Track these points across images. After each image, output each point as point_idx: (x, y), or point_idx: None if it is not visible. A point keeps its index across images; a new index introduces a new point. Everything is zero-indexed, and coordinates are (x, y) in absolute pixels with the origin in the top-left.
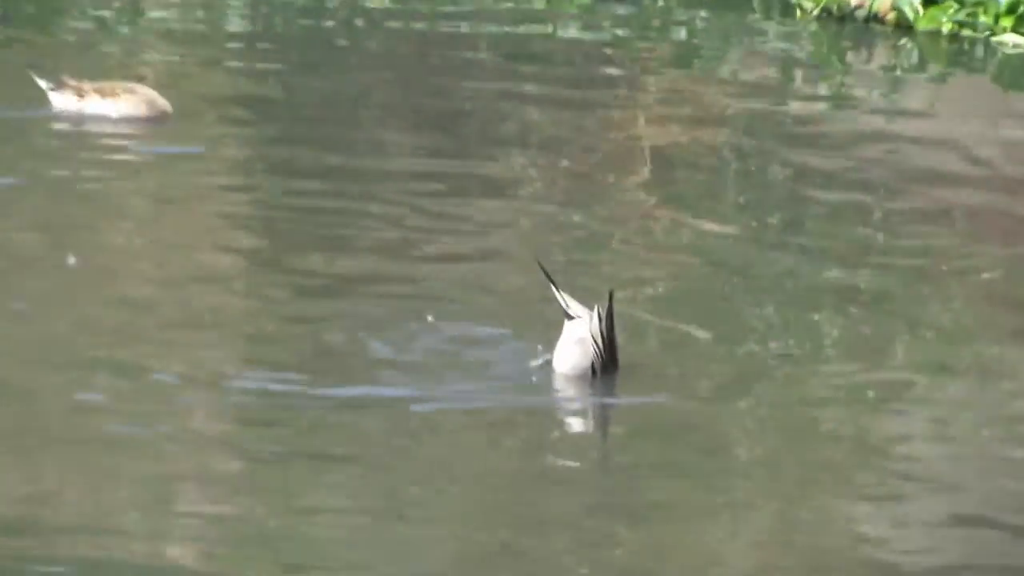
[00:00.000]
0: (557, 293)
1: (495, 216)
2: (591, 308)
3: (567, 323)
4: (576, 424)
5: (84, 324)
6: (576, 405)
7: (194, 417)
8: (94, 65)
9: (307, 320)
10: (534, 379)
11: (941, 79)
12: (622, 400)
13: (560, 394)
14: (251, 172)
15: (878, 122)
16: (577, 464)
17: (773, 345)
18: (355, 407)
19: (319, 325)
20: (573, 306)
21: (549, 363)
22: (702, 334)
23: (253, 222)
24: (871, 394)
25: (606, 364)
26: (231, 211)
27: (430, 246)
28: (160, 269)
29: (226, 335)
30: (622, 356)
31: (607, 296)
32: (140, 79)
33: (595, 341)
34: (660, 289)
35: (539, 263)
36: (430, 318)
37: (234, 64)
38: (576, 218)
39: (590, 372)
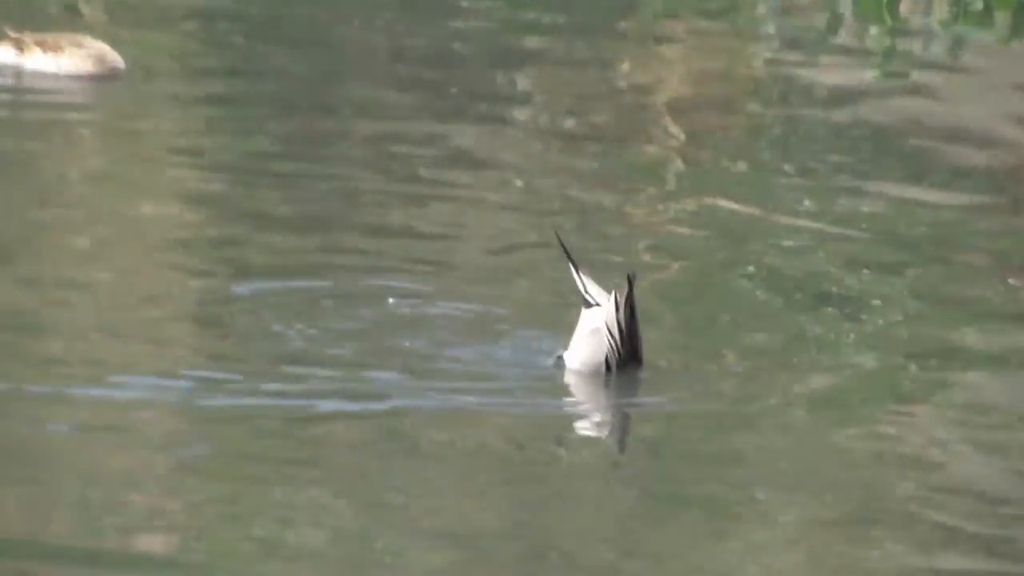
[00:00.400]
0: (576, 274)
1: (492, 184)
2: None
3: (584, 311)
4: (583, 429)
5: (12, 312)
6: (582, 407)
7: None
8: (37, 14)
9: (278, 305)
10: (539, 376)
11: (1005, 40)
12: (637, 400)
13: (567, 395)
14: (211, 138)
15: (928, 80)
16: (580, 481)
17: (799, 332)
18: (327, 414)
19: (291, 310)
20: (593, 291)
21: (561, 358)
22: (724, 320)
23: (210, 193)
24: (907, 387)
25: (624, 359)
26: (185, 182)
27: (420, 221)
28: (104, 248)
29: (179, 322)
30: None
31: (626, 280)
32: (88, 31)
33: (610, 333)
34: (679, 271)
35: (557, 237)
36: (391, 300)
37: (196, 18)
38: (588, 189)
39: (604, 368)
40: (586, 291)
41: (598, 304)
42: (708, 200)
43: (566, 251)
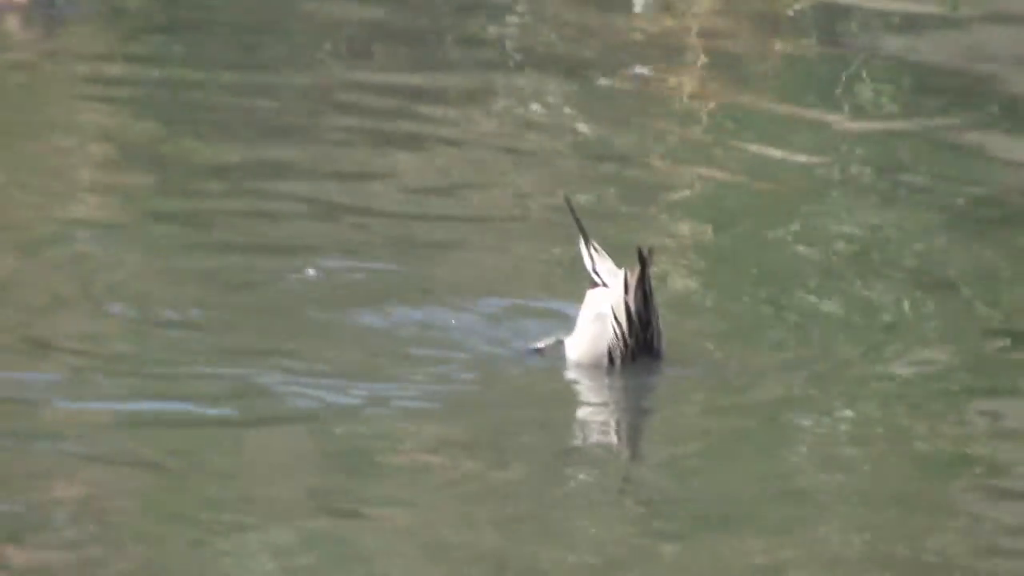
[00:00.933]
0: (584, 246)
1: (490, 143)
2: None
3: (589, 291)
4: (579, 436)
5: None
6: (573, 412)
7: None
8: None
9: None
10: (527, 367)
11: None
12: (640, 404)
13: (559, 394)
14: (139, 96)
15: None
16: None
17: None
18: (288, 415)
19: (242, 296)
20: (604, 268)
21: (559, 344)
22: (745, 303)
23: (135, 160)
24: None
25: (634, 352)
26: (98, 119)
27: (404, 194)
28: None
29: (114, 302)
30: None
31: (637, 256)
32: None
33: (616, 319)
34: (710, 235)
35: (567, 201)
36: (310, 271)
37: None
38: (600, 152)
39: (606, 360)
40: (595, 268)
41: (606, 285)
42: (746, 147)
43: (575, 216)
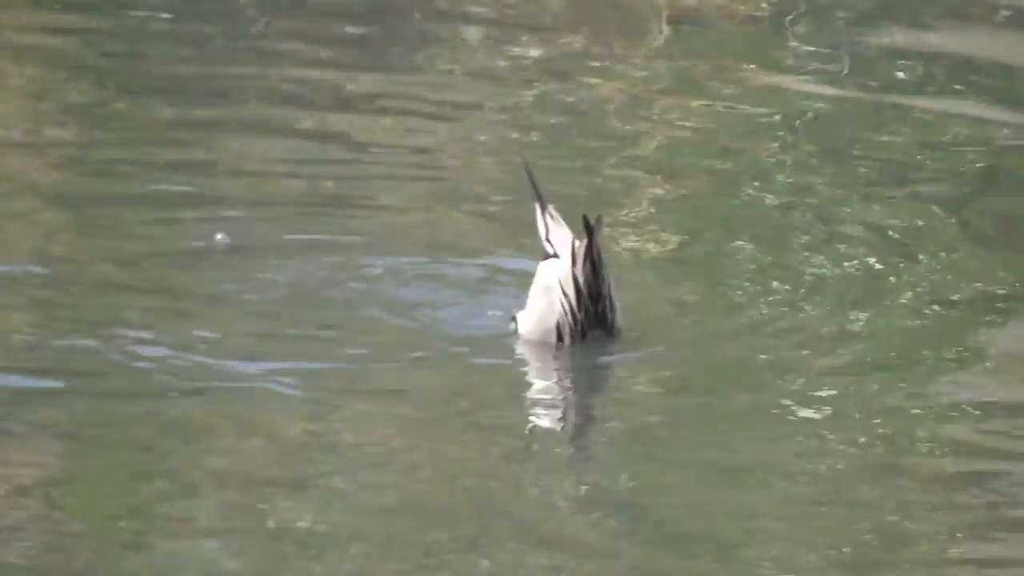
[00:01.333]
0: (540, 214)
1: (442, 112)
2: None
3: (541, 263)
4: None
5: None
6: (514, 392)
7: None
8: None
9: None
10: (472, 345)
11: None
12: (597, 382)
13: (501, 371)
14: (67, 50)
15: None
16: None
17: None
18: (245, 391)
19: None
20: (557, 238)
21: (515, 321)
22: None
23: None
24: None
25: (584, 325)
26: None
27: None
28: None
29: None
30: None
31: (584, 225)
32: None
33: (563, 292)
34: (676, 193)
35: (525, 166)
36: (219, 236)
37: None
38: (554, 114)
39: (555, 337)
40: (547, 237)
41: (557, 256)
42: (712, 103)
43: (533, 181)
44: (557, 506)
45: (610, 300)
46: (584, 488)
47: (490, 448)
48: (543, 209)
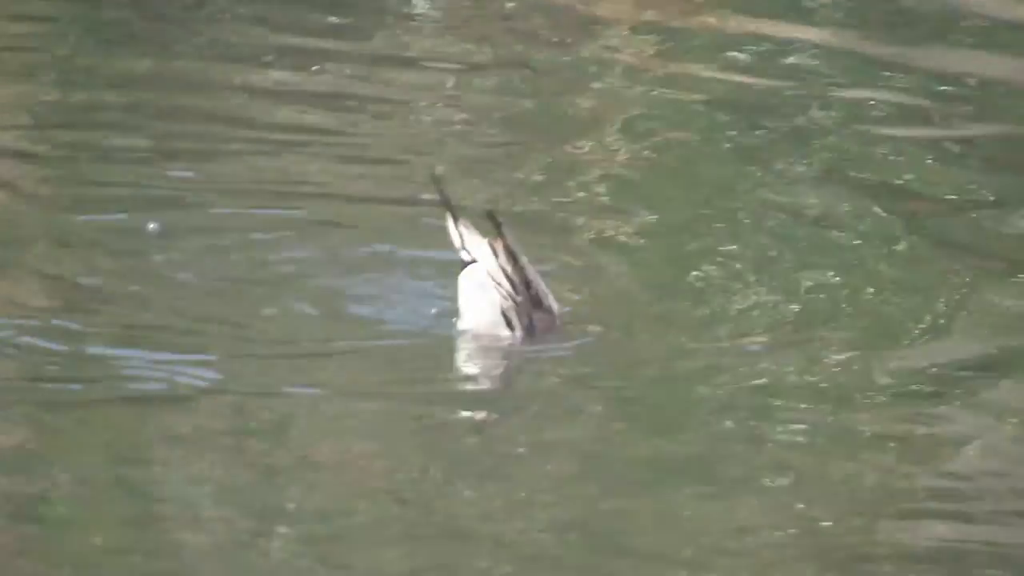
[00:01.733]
0: (452, 223)
1: (370, 106)
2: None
3: (461, 273)
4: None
5: None
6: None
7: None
8: None
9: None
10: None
11: None
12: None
13: (455, 365)
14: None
15: None
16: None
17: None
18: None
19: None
20: (472, 242)
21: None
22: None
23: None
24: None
25: (527, 308)
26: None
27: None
28: None
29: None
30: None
31: (490, 220)
32: None
33: (497, 283)
34: (633, 161)
35: (433, 176)
36: (152, 225)
37: None
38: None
39: (504, 326)
40: (463, 244)
41: (475, 260)
42: (688, 66)
43: (442, 193)
44: (496, 507)
45: (539, 285)
46: (526, 490)
47: (431, 445)
48: (455, 220)
